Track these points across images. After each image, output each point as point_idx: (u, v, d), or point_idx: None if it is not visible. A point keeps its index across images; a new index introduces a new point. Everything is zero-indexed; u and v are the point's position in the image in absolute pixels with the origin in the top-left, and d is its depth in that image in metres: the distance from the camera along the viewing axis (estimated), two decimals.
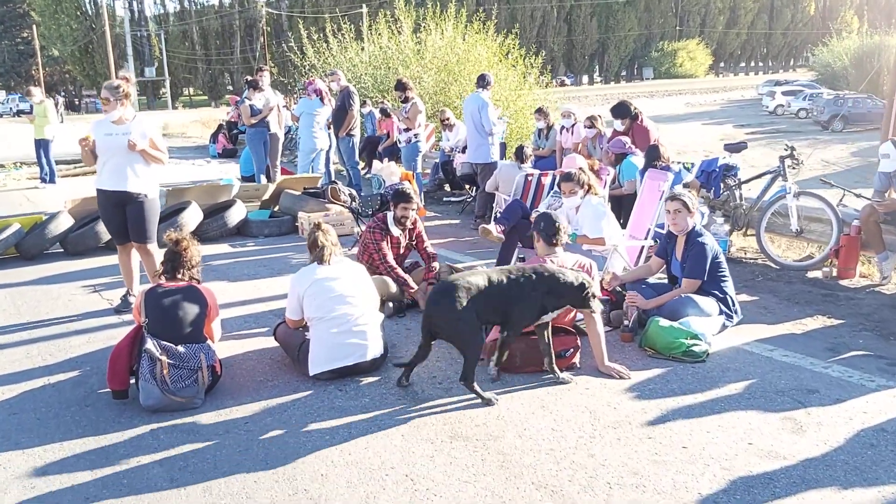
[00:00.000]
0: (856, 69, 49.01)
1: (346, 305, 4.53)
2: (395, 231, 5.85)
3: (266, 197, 9.43)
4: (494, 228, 6.17)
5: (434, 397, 4.26)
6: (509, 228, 6.30)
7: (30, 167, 16.42)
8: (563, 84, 67.22)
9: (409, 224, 5.87)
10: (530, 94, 17.61)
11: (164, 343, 4.20)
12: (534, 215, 6.28)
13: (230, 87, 77.99)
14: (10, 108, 56.44)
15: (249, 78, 11.83)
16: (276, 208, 9.36)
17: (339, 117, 10.90)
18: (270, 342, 5.20)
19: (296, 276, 4.70)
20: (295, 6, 72.36)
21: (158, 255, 6.00)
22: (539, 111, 10.09)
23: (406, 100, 10.17)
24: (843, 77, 54.06)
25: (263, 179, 11.36)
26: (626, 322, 5.11)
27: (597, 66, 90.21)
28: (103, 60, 62.01)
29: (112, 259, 7.71)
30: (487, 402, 4.13)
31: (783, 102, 45.20)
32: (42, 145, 13.24)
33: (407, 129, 10.10)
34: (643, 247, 6.08)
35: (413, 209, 5.80)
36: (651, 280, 5.43)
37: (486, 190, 8.52)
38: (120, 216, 5.88)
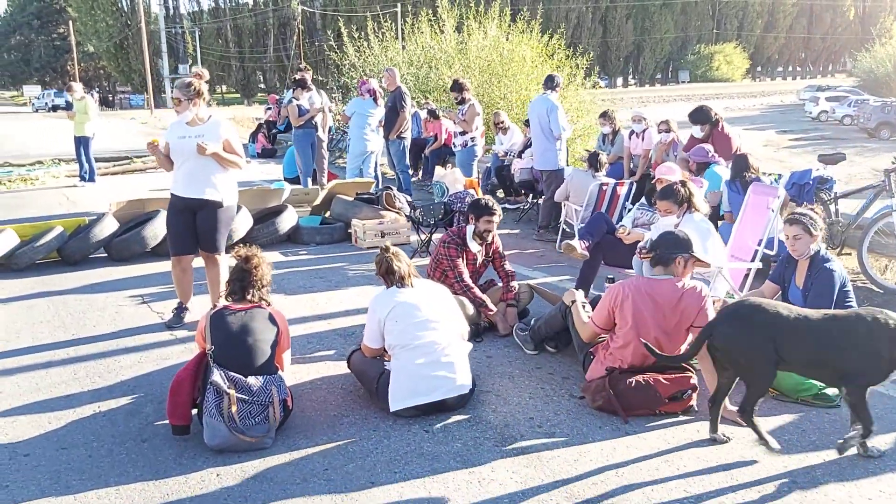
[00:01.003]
0: None
1: (431, 332, 4.03)
2: (474, 247, 5.33)
3: (317, 202, 8.94)
4: (579, 245, 5.62)
5: (538, 447, 3.71)
6: (593, 244, 5.75)
7: (68, 164, 16.15)
8: (594, 86, 66.25)
9: (489, 238, 5.36)
10: (576, 96, 17.08)
11: (233, 374, 3.71)
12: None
13: (262, 86, 78.22)
14: (46, 104, 56.77)
15: (298, 76, 11.37)
16: (328, 214, 8.89)
17: (391, 119, 10.41)
18: (339, 368, 4.71)
19: (375, 299, 4.19)
20: (328, 5, 72.27)
21: (226, 268, 5.59)
22: (604, 115, 9.53)
23: (462, 101, 9.65)
24: (886, 83, 52.75)
25: (310, 183, 10.91)
26: None
27: (631, 69, 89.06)
28: (138, 57, 62.35)
29: (159, 266, 7.30)
30: (765, 444, 3.56)
31: (827, 108, 44.06)
32: (82, 143, 12.89)
33: (463, 133, 9.57)
34: (749, 270, 5.50)
35: (497, 223, 5.28)
36: None
37: (555, 199, 7.97)
38: (188, 223, 5.43)
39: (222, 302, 4.15)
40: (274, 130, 19.66)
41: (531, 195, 10.16)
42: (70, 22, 69.79)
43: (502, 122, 11.28)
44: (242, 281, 4.06)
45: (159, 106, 52.98)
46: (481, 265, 5.49)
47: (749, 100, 64.57)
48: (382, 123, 10.49)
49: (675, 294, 4.00)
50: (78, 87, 12.97)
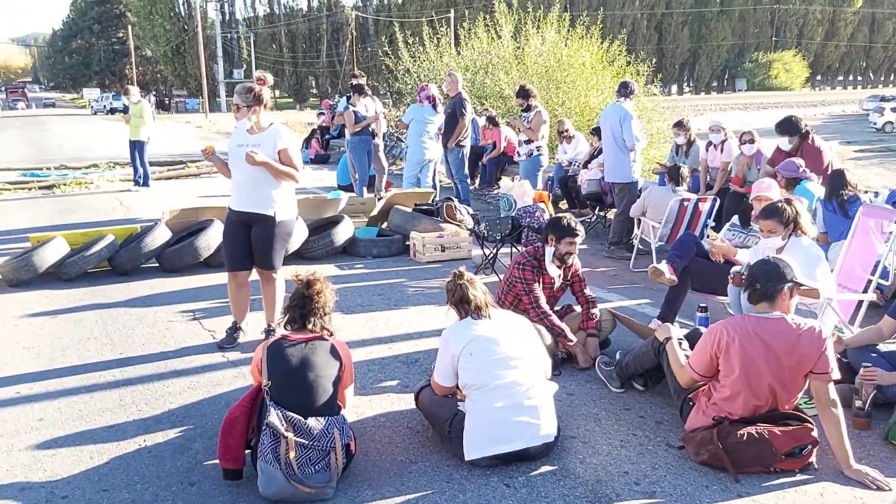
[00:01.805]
0: None
1: (512, 371, 3.56)
2: (553, 270, 4.85)
3: (374, 213, 8.55)
4: (667, 269, 5.10)
5: None
6: (681, 268, 5.22)
7: (123, 168, 16.11)
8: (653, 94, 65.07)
9: (570, 261, 4.88)
10: (638, 103, 16.49)
11: (291, 415, 3.30)
12: None
13: (314, 91, 78.81)
14: (105, 107, 57.90)
15: (355, 82, 11.04)
16: (385, 225, 8.49)
17: (450, 126, 9.98)
18: (404, 402, 4.29)
19: (448, 331, 3.74)
20: (381, 10, 72.52)
21: (283, 285, 5.23)
22: (679, 124, 8.96)
23: (528, 108, 9.17)
24: None
25: (365, 192, 10.55)
26: (858, 403, 3.98)
27: (687, 76, 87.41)
28: (194, 61, 63.33)
29: (212, 278, 6.99)
30: None
31: (892, 119, 42.44)
32: (137, 147, 12.75)
33: (528, 141, 9.08)
34: (861, 302, 4.91)
35: (579, 244, 4.80)
36: (881, 347, 4.28)
37: (631, 214, 7.44)
38: (243, 238, 5.08)
39: (280, 331, 3.75)
40: (327, 136, 19.44)
41: (597, 208, 9.64)
42: (129, 26, 71.25)
43: (566, 131, 10.77)
44: (303, 308, 3.65)
45: (214, 110, 53.64)
46: (558, 289, 5.01)
47: (810, 109, 62.67)
48: (441, 131, 10.08)
49: (791, 335, 3.47)
50: (135, 90, 12.83)
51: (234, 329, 5.28)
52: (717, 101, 68.48)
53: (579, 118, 15.95)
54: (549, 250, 4.80)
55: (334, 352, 3.55)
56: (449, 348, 3.65)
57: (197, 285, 6.87)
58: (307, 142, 18.83)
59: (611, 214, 9.61)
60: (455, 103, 10.03)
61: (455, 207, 8.04)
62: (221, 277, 6.94)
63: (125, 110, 13.91)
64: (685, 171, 7.16)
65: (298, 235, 7.33)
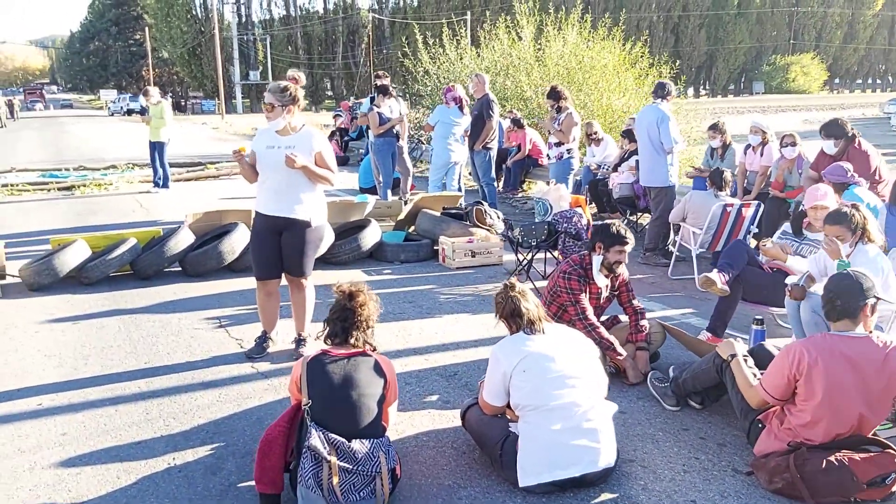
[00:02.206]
0: None
1: (570, 391, 3.31)
2: (601, 280, 4.59)
3: (401, 216, 8.31)
4: (718, 278, 4.83)
5: None
6: (733, 277, 4.95)
7: (142, 169, 15.99)
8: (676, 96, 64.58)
9: (618, 270, 4.62)
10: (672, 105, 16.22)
11: (334, 437, 3.06)
12: None
13: (329, 93, 78.78)
14: (122, 108, 58.03)
15: (379, 83, 10.82)
16: (412, 230, 8.25)
17: (477, 128, 9.74)
18: (446, 419, 4.05)
19: (499, 347, 3.49)
20: (397, 12, 72.43)
21: (313, 292, 5.01)
22: (714, 127, 8.66)
23: (560, 109, 8.90)
24: None
25: (390, 195, 10.32)
26: None
27: (703, 79, 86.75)
28: (210, 63, 63.40)
29: (237, 283, 6.79)
30: None
31: None
32: (157, 148, 12.58)
33: (558, 143, 8.82)
34: None
35: (628, 252, 4.54)
36: None
37: (671, 219, 7.17)
38: (273, 245, 4.85)
39: (320, 345, 3.51)
40: (346, 138, 19.28)
41: (628, 212, 9.38)
42: (146, 28, 71.50)
43: (595, 133, 10.52)
44: (345, 321, 3.42)
45: (230, 111, 53.66)
46: (605, 300, 4.75)
47: (829, 112, 61.94)
48: (468, 133, 9.84)
49: (878, 354, 3.20)
50: (154, 91, 12.66)
51: (264, 338, 5.06)
52: (735, 103, 67.85)
53: (602, 121, 15.71)
54: (597, 259, 4.54)
55: (378, 368, 3.32)
56: (500, 366, 3.40)
57: (221, 290, 6.66)
58: None
59: (644, 220, 9.35)
60: (482, 105, 9.79)
61: (485, 211, 7.81)
62: (246, 282, 6.76)
63: (143, 111, 13.73)
64: (728, 175, 6.88)
65: (326, 240, 7.10)
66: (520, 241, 6.44)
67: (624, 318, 4.88)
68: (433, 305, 6.26)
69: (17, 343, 5.37)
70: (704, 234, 6.69)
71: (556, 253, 6.50)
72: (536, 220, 6.61)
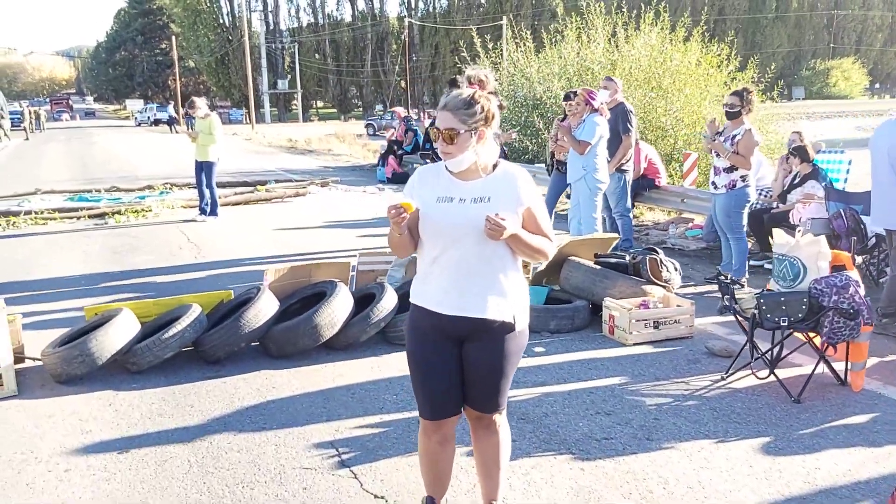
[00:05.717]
0: None
1: None
2: None
3: (540, 267, 6.29)
4: None
5: None
6: None
7: (181, 189, 14.17)
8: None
9: None
10: (759, 110, 14.30)
11: None
12: None
13: (356, 101, 77.30)
14: (148, 118, 56.73)
15: (454, 77, 8.87)
16: (553, 284, 6.27)
17: (611, 145, 7.74)
18: None
19: None
20: (426, 18, 70.78)
21: (509, 435, 3.07)
22: None
23: (735, 116, 6.76)
24: None
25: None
26: None
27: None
28: (238, 71, 62.21)
29: (343, 370, 4.80)
30: None
31: None
32: (205, 169, 10.67)
33: (730, 169, 6.72)
34: None
35: None
36: None
37: None
38: (450, 361, 2.87)
39: None
40: (400, 152, 17.30)
41: None
42: (172, 37, 70.42)
43: None
44: None
45: (259, 121, 52.09)
46: None
47: (878, 118, 59.46)
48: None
49: None
50: (202, 102, 10.70)
51: None
52: (776, 110, 65.30)
53: (690, 131, 13.84)
54: None
55: None
56: None
57: (326, 385, 4.70)
58: (384, 159, 16.74)
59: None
60: (617, 116, 7.80)
61: (661, 262, 5.81)
62: (355, 368, 4.84)
63: (170, 122, 11.94)
64: None
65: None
66: (760, 320, 4.40)
67: None
68: (645, 421, 4.22)
69: (37, 501, 3.45)
70: None
71: (813, 336, 4.44)
72: (782, 288, 4.47)
